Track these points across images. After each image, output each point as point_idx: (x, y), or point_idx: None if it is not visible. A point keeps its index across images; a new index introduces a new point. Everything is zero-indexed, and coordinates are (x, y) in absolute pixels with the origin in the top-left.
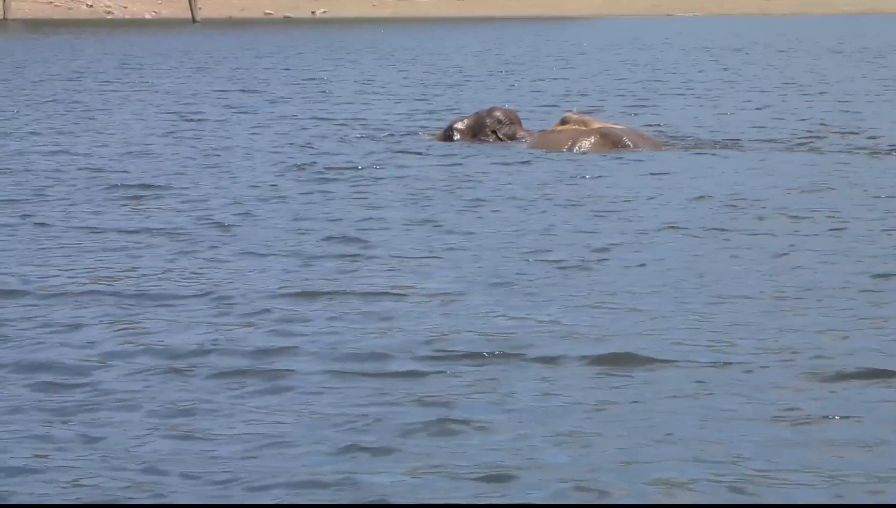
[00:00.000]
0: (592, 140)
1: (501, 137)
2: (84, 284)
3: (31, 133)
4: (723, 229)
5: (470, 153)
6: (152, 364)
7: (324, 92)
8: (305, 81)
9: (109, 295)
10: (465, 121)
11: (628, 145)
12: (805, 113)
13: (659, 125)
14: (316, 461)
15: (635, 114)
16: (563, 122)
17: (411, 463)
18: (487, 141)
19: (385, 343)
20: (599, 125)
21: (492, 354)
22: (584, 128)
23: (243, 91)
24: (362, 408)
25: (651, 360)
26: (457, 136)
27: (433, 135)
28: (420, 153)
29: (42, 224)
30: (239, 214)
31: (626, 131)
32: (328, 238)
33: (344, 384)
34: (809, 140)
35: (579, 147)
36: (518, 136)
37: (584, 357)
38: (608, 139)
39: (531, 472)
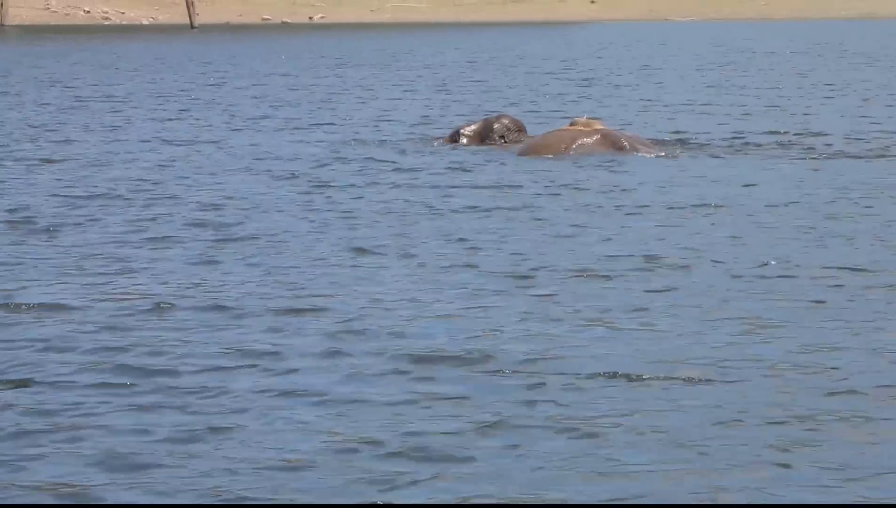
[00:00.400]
0: (593, 140)
1: (508, 142)
2: (101, 297)
3: (41, 141)
4: (750, 236)
5: (483, 158)
6: (172, 380)
7: (328, 98)
8: (310, 87)
9: (130, 310)
10: (473, 126)
11: (625, 146)
12: (818, 117)
13: (663, 131)
14: (344, 487)
15: (646, 124)
16: (573, 125)
17: (450, 487)
18: (493, 145)
19: (419, 357)
20: (602, 128)
21: (533, 368)
22: (586, 129)
23: (250, 97)
24: (403, 426)
25: (686, 377)
26: (464, 140)
27: (440, 139)
28: (431, 158)
29: (58, 235)
30: (255, 224)
31: (626, 136)
32: (353, 248)
33: (380, 401)
34: (823, 145)
35: (579, 144)
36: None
37: (628, 374)
38: (608, 140)
39: (582, 495)
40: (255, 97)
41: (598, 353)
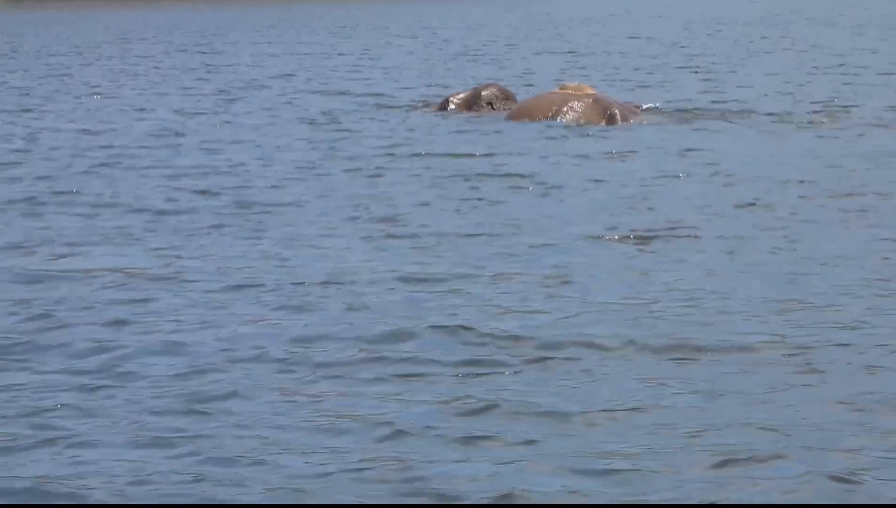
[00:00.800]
0: (584, 104)
1: (495, 109)
2: (111, 268)
3: (35, 111)
4: (769, 206)
5: (477, 125)
6: (187, 357)
7: (321, 66)
8: (302, 56)
9: (152, 280)
10: (462, 94)
11: (616, 114)
12: (814, 86)
13: (652, 99)
14: (364, 472)
15: (649, 90)
16: (562, 89)
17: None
18: (482, 112)
19: (433, 332)
20: (593, 92)
21: (552, 343)
22: (577, 93)
23: (243, 66)
24: (411, 405)
25: (723, 347)
26: (452, 107)
27: (431, 106)
28: (424, 125)
29: (61, 206)
30: (259, 194)
31: (616, 103)
32: (359, 219)
33: (392, 377)
34: (822, 114)
35: (570, 108)
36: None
37: (657, 346)
38: (599, 105)
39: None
40: (248, 66)
41: (629, 330)
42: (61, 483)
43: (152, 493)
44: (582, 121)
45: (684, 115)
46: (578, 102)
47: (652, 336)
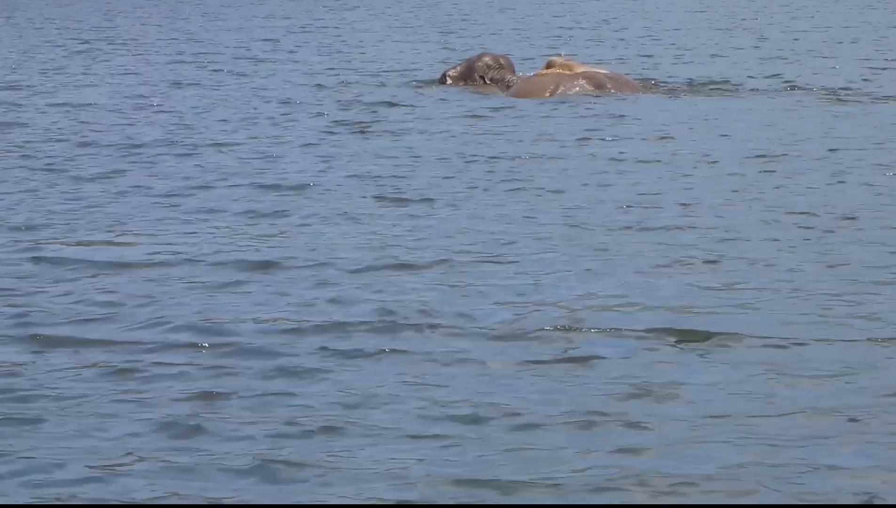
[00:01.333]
0: (577, 83)
1: (488, 81)
2: (149, 252)
3: (55, 85)
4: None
5: (490, 103)
6: (220, 341)
7: (322, 41)
8: (306, 32)
9: (181, 264)
10: (458, 68)
11: (609, 89)
12: (827, 61)
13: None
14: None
15: (643, 64)
16: (549, 66)
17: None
18: (476, 85)
19: (492, 320)
20: (584, 70)
21: (586, 326)
22: (568, 72)
23: (253, 40)
24: (429, 388)
25: (736, 335)
26: (449, 81)
27: (434, 82)
28: (437, 103)
29: (83, 185)
30: (272, 167)
31: (609, 77)
32: (411, 200)
33: (415, 359)
34: (831, 88)
35: (564, 89)
36: (507, 80)
37: (673, 332)
38: (592, 82)
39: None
40: (257, 40)
41: (688, 321)
42: (105, 479)
43: (195, 486)
44: (577, 99)
45: (688, 89)
46: (571, 82)
47: (716, 327)
